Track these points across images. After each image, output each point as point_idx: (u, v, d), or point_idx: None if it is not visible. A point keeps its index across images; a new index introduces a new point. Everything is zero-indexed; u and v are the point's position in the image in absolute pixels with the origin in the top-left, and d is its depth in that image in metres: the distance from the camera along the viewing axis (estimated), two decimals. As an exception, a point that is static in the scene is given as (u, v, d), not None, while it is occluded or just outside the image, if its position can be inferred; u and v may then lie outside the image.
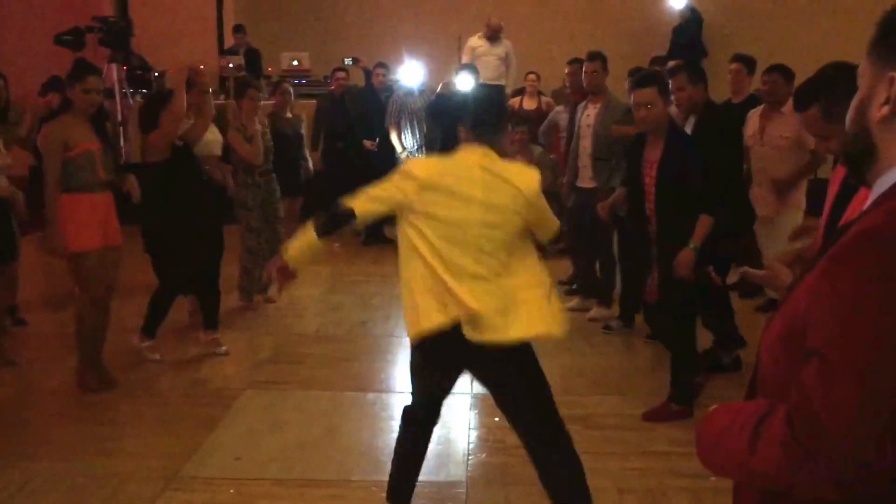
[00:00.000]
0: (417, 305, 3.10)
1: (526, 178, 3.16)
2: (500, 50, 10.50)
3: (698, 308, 4.86)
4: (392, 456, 3.64)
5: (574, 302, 6.89)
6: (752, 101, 6.38)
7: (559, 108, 8.77)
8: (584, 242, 6.64)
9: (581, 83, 6.81)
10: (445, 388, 3.46)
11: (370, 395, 5.11)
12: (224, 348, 5.79)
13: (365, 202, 3.19)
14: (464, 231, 3.09)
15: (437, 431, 4.55)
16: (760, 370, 1.60)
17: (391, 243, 9.18)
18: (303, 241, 3.25)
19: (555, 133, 8.75)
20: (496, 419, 4.71)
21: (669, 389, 4.74)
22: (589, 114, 6.44)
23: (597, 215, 5.70)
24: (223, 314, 6.68)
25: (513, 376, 3.25)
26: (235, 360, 5.71)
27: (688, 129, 5.31)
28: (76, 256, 4.96)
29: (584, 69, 6.48)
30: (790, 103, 5.94)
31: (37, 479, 4.03)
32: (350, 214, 3.19)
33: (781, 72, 6.00)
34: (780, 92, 5.97)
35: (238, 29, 11.64)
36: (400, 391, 5.24)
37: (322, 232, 3.22)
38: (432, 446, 4.37)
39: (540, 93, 10.01)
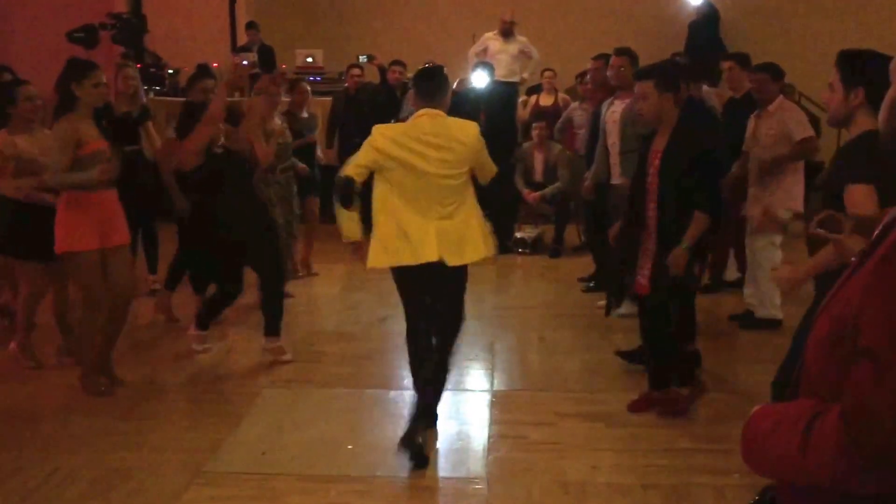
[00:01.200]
0: (388, 244, 4.11)
1: (467, 129, 4.17)
2: (513, 47, 10.46)
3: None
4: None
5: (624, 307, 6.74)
6: (752, 96, 6.45)
7: (574, 104, 8.78)
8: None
9: (604, 79, 6.81)
10: (426, 296, 4.35)
11: (392, 393, 5.11)
12: (288, 355, 5.64)
13: (354, 168, 4.13)
14: (425, 183, 4.06)
15: (456, 428, 4.62)
16: (805, 369, 1.60)
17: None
18: (342, 219, 4.23)
19: (569, 129, 8.76)
20: (517, 415, 4.75)
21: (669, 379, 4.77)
22: (615, 110, 6.41)
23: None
24: (240, 311, 6.72)
25: (453, 285, 4.29)
26: (255, 358, 5.70)
27: None
28: (72, 256, 4.84)
29: (610, 64, 6.47)
30: (777, 102, 5.99)
31: (60, 472, 4.06)
32: (350, 181, 4.13)
33: (769, 70, 6.06)
34: (767, 90, 6.02)
35: (250, 25, 11.63)
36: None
37: (345, 204, 4.18)
38: (451, 443, 4.42)
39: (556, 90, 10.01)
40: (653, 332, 4.74)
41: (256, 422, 4.67)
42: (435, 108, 4.17)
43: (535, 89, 10.36)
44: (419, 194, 4.09)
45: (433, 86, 4.23)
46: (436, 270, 4.11)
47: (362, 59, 10.38)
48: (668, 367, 4.76)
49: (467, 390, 5.19)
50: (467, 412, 4.86)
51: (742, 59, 6.76)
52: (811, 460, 1.43)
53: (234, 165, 5.58)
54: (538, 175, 8.89)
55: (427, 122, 4.14)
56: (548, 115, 9.36)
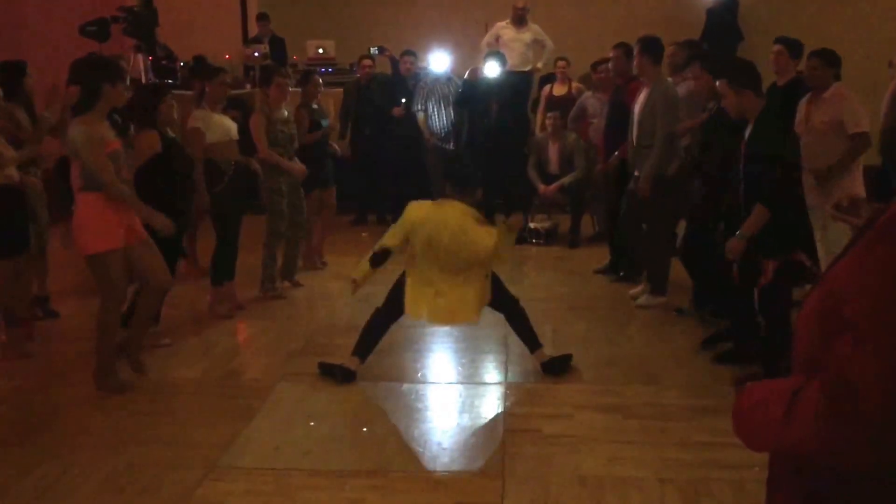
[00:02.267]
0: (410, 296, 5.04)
1: (485, 240, 4.82)
2: (526, 36, 10.38)
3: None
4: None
5: (641, 295, 6.67)
6: (798, 84, 6.26)
7: (588, 93, 8.71)
8: (632, 230, 6.62)
9: (623, 68, 6.88)
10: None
11: (405, 386, 5.07)
12: (166, 340, 5.76)
13: (390, 238, 5.06)
14: (438, 254, 4.85)
15: (470, 421, 4.59)
16: (796, 346, 1.63)
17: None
18: (363, 268, 5.20)
19: (583, 118, 8.69)
20: (531, 408, 4.70)
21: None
22: (640, 100, 6.39)
23: (642, 201, 5.99)
24: (250, 302, 6.71)
25: None
26: (268, 352, 5.69)
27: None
28: (100, 257, 4.80)
29: (635, 54, 6.42)
30: (833, 88, 5.80)
31: (74, 468, 4.05)
32: (388, 252, 5.11)
33: (823, 56, 5.81)
34: (820, 77, 5.83)
35: (262, 17, 11.59)
36: (434, 381, 5.22)
37: (374, 263, 5.16)
38: (466, 436, 4.38)
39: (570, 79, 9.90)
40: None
41: (270, 416, 4.65)
42: (466, 203, 4.95)
43: (548, 79, 10.25)
44: (432, 261, 4.89)
45: (473, 180, 5.09)
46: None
47: (373, 51, 10.32)
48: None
49: (481, 383, 5.16)
50: (481, 405, 4.82)
51: (792, 46, 6.38)
52: (793, 431, 1.46)
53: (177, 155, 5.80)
54: (554, 166, 8.80)
55: (457, 212, 4.87)
56: (561, 105, 9.27)
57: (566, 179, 8.61)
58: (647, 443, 4.24)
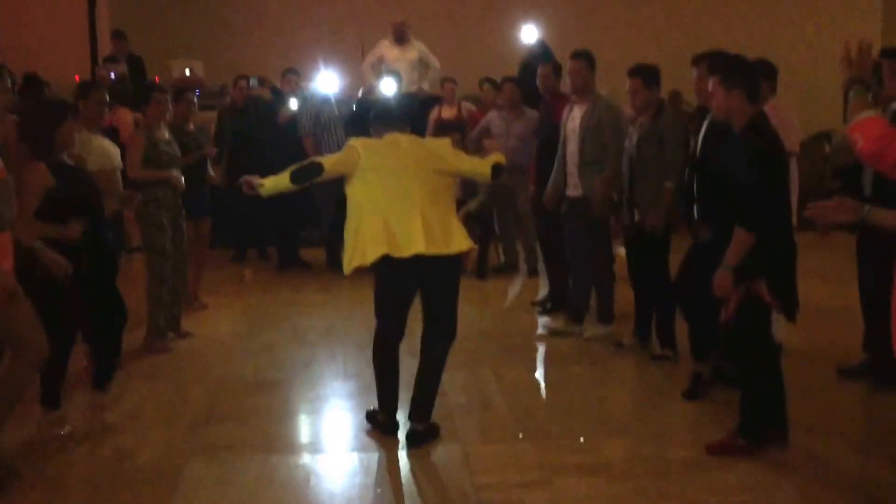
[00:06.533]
0: (375, 237, 4.13)
1: (441, 146, 4.46)
2: (412, 54, 9.81)
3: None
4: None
5: (560, 323, 6.25)
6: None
7: (492, 113, 8.15)
8: (565, 256, 6.09)
9: (550, 85, 6.57)
10: (408, 301, 4.35)
11: (346, 456, 4.25)
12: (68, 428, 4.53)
13: (331, 163, 4.25)
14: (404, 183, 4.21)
15: (436, 497, 3.85)
16: None
17: (309, 268, 8.37)
18: (278, 180, 4.27)
19: (486, 139, 8.14)
20: (502, 476, 3.97)
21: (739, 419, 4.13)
22: (574, 116, 5.93)
23: (585, 226, 5.70)
24: (134, 359, 5.68)
25: (448, 279, 4.31)
26: (166, 423, 4.65)
27: None
28: None
29: (568, 69, 5.95)
30: (770, 102, 5.42)
31: None
32: (320, 167, 4.20)
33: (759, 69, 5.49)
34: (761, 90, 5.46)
35: (117, 34, 10.52)
36: (375, 450, 4.32)
37: (294, 178, 4.21)
38: None
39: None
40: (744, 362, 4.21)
41: (184, 511, 3.73)
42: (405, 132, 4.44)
43: (436, 100, 9.61)
44: (402, 193, 4.20)
45: (396, 112, 4.65)
46: (427, 266, 4.16)
47: (253, 82, 9.50)
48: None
49: (434, 447, 4.30)
50: (443, 475, 4.03)
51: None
52: None
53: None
54: (457, 191, 8.17)
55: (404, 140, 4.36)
56: (452, 128, 8.67)
57: (471, 206, 8.00)
58: (644, 510, 3.61)
